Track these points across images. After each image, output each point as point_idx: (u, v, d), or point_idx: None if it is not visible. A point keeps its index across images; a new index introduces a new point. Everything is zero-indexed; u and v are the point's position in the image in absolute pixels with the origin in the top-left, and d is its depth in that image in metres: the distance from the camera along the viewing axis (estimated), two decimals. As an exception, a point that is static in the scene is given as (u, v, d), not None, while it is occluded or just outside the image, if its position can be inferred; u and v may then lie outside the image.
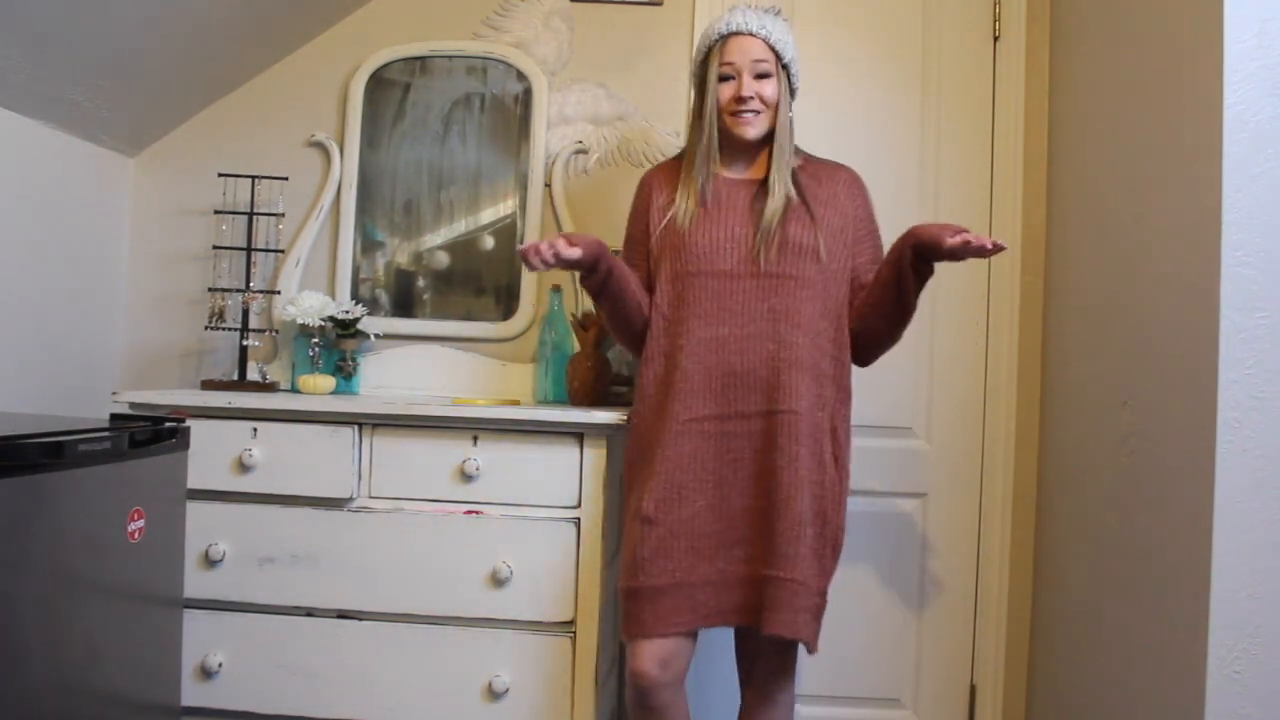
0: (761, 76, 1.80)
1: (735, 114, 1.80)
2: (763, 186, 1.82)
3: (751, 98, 1.79)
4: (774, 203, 1.79)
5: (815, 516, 1.73)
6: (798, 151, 1.89)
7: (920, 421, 2.41)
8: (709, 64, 1.82)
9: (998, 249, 1.61)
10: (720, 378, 1.76)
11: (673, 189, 1.87)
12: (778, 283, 1.77)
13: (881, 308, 1.79)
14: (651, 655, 1.71)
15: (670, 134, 2.41)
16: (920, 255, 1.70)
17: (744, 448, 1.75)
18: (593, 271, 1.77)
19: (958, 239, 1.62)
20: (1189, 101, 1.70)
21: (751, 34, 1.80)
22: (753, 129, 1.81)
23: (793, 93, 1.87)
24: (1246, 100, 1.57)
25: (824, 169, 1.90)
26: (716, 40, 1.81)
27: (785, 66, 1.83)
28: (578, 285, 2.35)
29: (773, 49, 1.81)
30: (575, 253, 1.71)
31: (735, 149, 1.86)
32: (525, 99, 2.42)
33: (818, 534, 1.74)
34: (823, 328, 1.79)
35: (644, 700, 1.73)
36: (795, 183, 1.82)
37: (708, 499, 1.74)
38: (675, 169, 1.91)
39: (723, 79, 1.81)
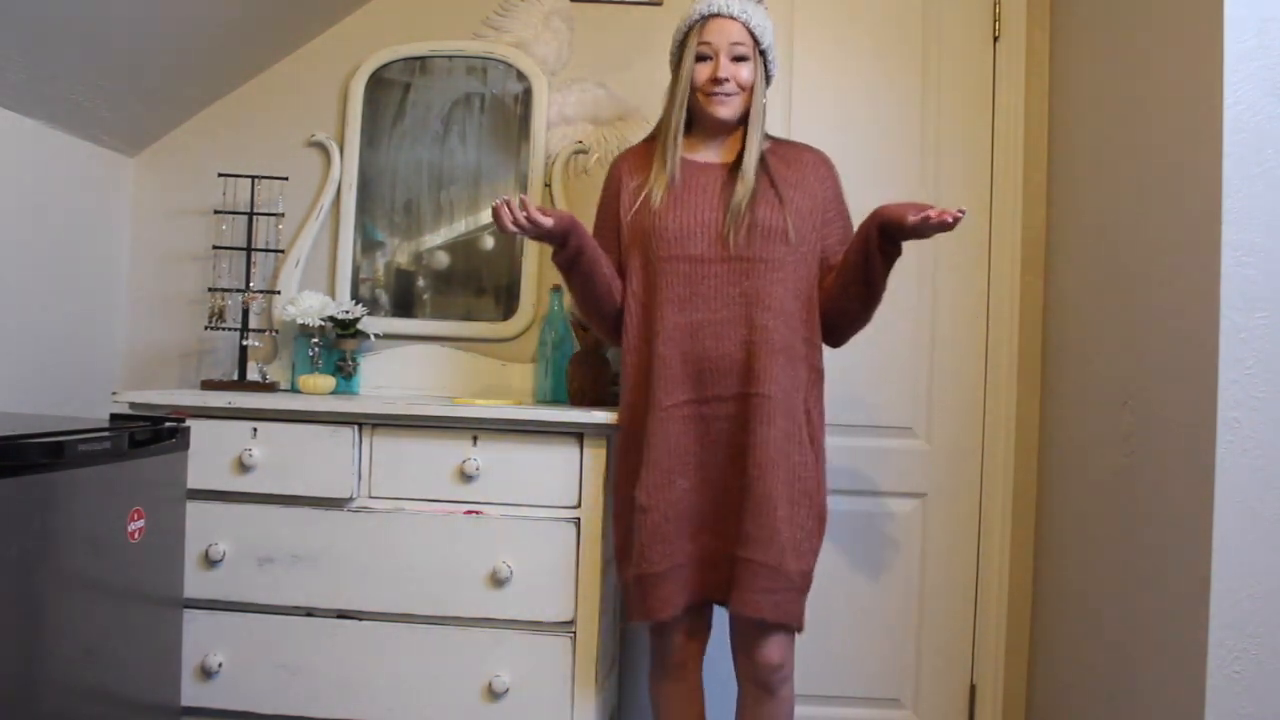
0: (739, 60, 1.82)
1: (710, 94, 1.82)
2: (732, 170, 1.84)
3: (728, 79, 1.81)
4: (744, 186, 1.80)
5: (801, 495, 1.77)
6: (766, 135, 1.91)
7: (920, 421, 2.41)
8: (686, 44, 1.84)
9: (958, 220, 1.62)
10: (696, 362, 1.79)
11: (643, 173, 1.89)
12: (748, 266, 1.79)
13: (851, 289, 1.81)
14: (679, 626, 1.83)
15: (670, 134, 2.41)
16: (886, 235, 1.71)
17: (722, 429, 1.79)
18: (563, 246, 1.79)
19: (918, 215, 1.63)
20: (1189, 101, 1.70)
21: (732, 17, 1.82)
22: (726, 109, 1.83)
23: (768, 79, 1.88)
24: (1246, 100, 1.57)
25: (791, 151, 1.91)
26: (696, 21, 1.83)
27: (763, 53, 1.85)
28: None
29: (751, 34, 1.82)
30: (547, 221, 1.74)
31: (707, 131, 1.88)
32: (525, 99, 2.42)
33: (806, 513, 1.77)
34: (794, 309, 1.81)
35: (671, 672, 1.86)
36: (764, 165, 1.84)
37: (690, 481, 1.79)
38: (644, 152, 1.93)
39: (700, 59, 1.83)
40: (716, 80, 1.81)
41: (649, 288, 1.83)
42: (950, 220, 1.62)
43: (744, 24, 1.82)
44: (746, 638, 1.79)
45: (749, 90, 1.84)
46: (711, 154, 1.89)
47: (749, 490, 1.74)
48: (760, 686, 1.80)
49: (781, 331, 1.79)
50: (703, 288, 1.80)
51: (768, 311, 1.78)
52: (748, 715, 1.84)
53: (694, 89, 1.84)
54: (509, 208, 1.72)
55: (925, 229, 1.64)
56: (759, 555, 1.72)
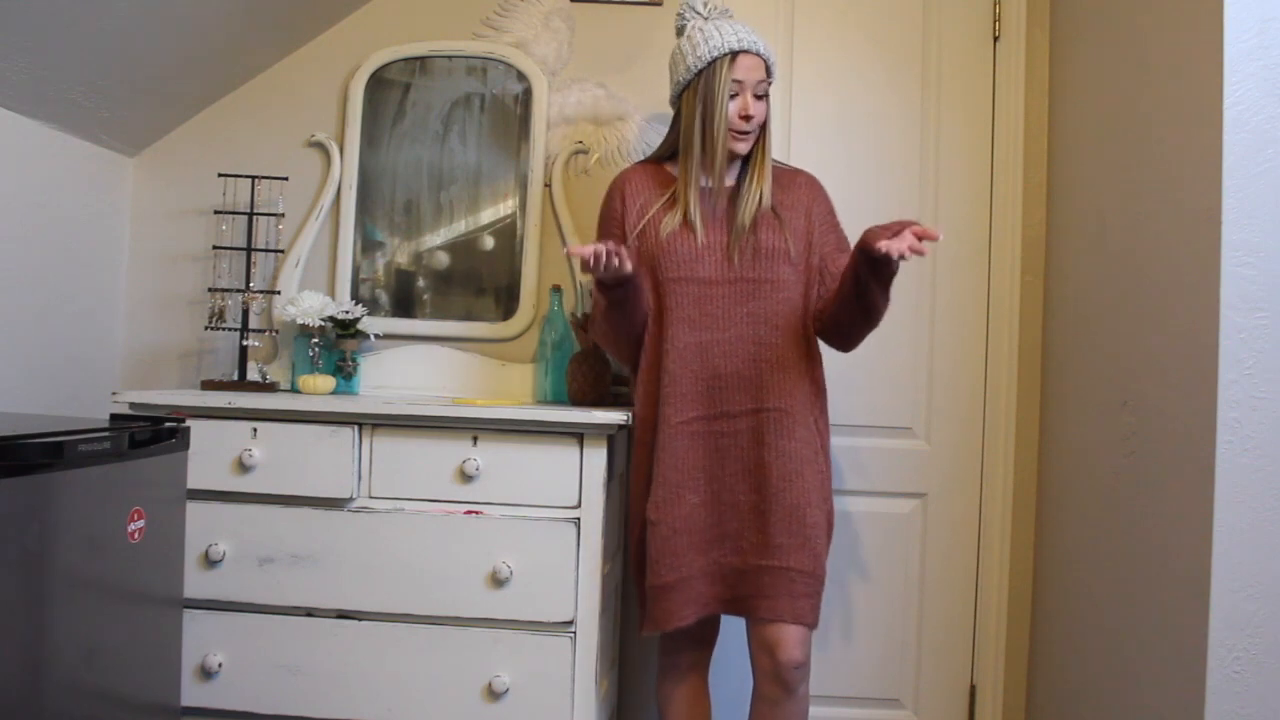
0: (760, 98, 1.85)
1: (734, 132, 1.84)
2: (734, 192, 1.88)
3: (753, 117, 1.83)
4: (749, 209, 1.84)
5: (822, 501, 1.83)
6: None
7: (920, 421, 2.41)
8: (715, 77, 1.82)
9: (926, 241, 1.56)
10: (706, 380, 1.83)
11: (648, 194, 1.91)
12: (754, 287, 1.84)
13: (848, 313, 1.80)
14: (687, 635, 1.87)
15: (670, 134, 2.41)
16: (869, 261, 1.67)
17: (730, 445, 1.83)
18: (623, 284, 1.77)
19: (883, 246, 1.56)
20: (1189, 102, 1.70)
21: (758, 54, 1.84)
22: (745, 145, 1.87)
23: None
24: (1246, 100, 1.58)
25: (785, 175, 1.95)
26: (725, 55, 1.81)
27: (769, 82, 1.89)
28: (577, 285, 2.36)
29: (769, 70, 1.86)
30: (629, 268, 1.70)
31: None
32: (525, 99, 2.42)
33: (827, 518, 1.84)
34: (798, 325, 1.86)
35: (678, 678, 1.92)
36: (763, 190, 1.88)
37: (701, 496, 1.82)
38: (647, 174, 1.95)
39: (729, 96, 1.83)
40: (745, 118, 1.83)
41: (660, 308, 1.87)
42: (918, 247, 1.55)
43: (766, 60, 1.84)
44: (770, 639, 1.79)
45: (763, 124, 1.87)
46: (716, 180, 1.90)
47: (775, 502, 1.78)
48: (782, 686, 1.80)
49: (790, 348, 1.84)
50: (711, 308, 1.84)
51: (776, 330, 1.83)
52: (766, 715, 1.84)
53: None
54: (605, 257, 1.66)
55: (891, 260, 1.59)
56: (795, 563, 1.77)
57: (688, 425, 1.82)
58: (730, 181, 1.90)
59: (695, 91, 1.84)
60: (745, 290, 1.84)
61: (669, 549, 1.79)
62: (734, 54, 1.81)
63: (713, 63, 1.82)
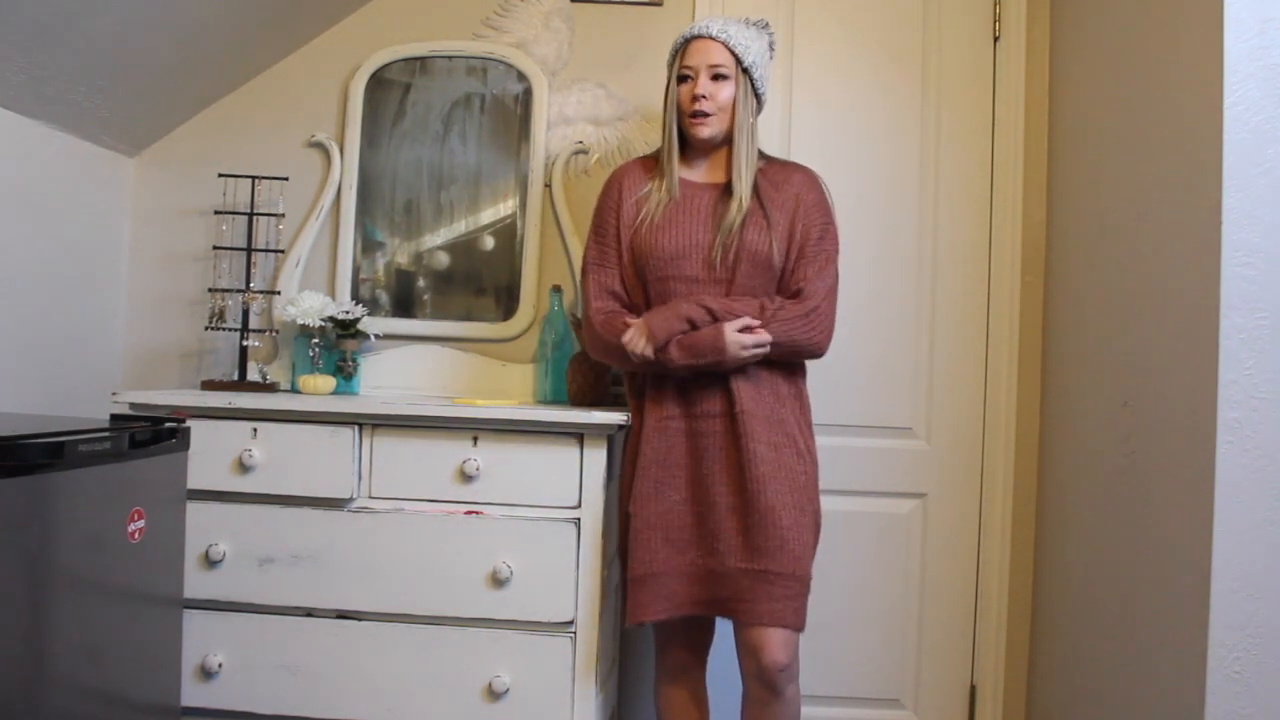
0: (717, 79, 1.86)
1: (690, 114, 1.86)
2: (725, 190, 1.88)
3: (704, 97, 1.84)
4: (734, 210, 1.84)
5: (806, 502, 1.82)
6: (760, 155, 1.94)
7: (920, 421, 2.41)
8: (673, 68, 1.91)
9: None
10: (685, 378, 1.83)
11: (641, 188, 1.93)
12: (733, 288, 1.84)
13: None
14: (679, 635, 1.89)
15: (670, 134, 2.41)
16: None
17: (710, 445, 1.82)
18: None
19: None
20: (1189, 101, 1.70)
21: (711, 38, 1.87)
22: (705, 129, 1.87)
23: (758, 99, 1.92)
24: (1246, 100, 1.58)
25: (781, 173, 1.94)
26: (680, 45, 1.90)
27: (746, 71, 1.88)
28: (577, 285, 2.36)
29: (732, 53, 1.86)
30: None
31: (696, 152, 1.93)
32: (525, 99, 2.42)
33: (810, 520, 1.83)
34: None
35: (673, 679, 1.92)
36: (755, 188, 1.88)
37: (683, 494, 1.82)
38: (644, 168, 1.97)
39: (682, 79, 1.88)
40: (695, 98, 1.85)
41: (647, 304, 1.89)
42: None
43: (724, 44, 1.86)
44: (753, 641, 1.79)
45: (730, 110, 1.87)
46: (703, 174, 1.93)
47: (752, 504, 1.77)
48: (768, 688, 1.79)
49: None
50: None
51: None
52: (755, 717, 1.83)
53: (679, 110, 1.89)
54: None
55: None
56: (773, 566, 1.76)
57: (669, 422, 1.83)
58: (722, 177, 1.90)
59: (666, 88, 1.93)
60: (725, 291, 1.84)
61: (642, 542, 1.80)
62: (686, 41, 1.89)
63: (673, 57, 1.90)
